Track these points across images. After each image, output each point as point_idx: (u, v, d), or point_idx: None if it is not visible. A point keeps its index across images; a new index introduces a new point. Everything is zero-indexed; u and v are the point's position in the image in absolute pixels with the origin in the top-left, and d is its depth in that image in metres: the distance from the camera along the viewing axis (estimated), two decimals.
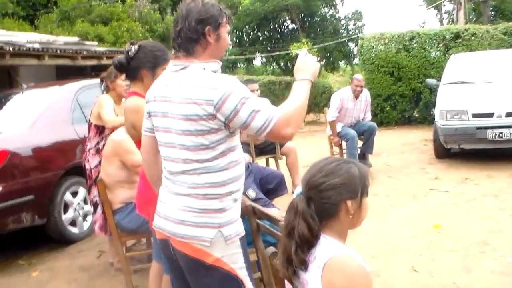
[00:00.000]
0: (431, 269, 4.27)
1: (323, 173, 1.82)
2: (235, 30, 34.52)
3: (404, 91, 14.51)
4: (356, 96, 7.92)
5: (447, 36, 14.51)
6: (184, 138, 2.10)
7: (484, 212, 5.74)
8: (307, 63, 2.30)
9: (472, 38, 14.15)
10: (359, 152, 7.97)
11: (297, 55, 2.36)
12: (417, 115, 15.07)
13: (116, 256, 4.64)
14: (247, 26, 34.48)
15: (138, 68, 3.13)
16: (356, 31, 35.37)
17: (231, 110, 2.01)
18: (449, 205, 6.16)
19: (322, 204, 1.81)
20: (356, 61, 32.61)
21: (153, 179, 2.49)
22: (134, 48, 3.09)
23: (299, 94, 2.21)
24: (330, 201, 1.80)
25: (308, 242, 1.78)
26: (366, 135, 7.96)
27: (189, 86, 2.07)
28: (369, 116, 8.33)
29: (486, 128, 7.77)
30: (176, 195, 2.20)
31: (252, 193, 4.15)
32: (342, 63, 38.70)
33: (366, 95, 8.20)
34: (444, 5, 35.67)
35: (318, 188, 1.81)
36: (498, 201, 6.14)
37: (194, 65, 2.13)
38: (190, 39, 2.13)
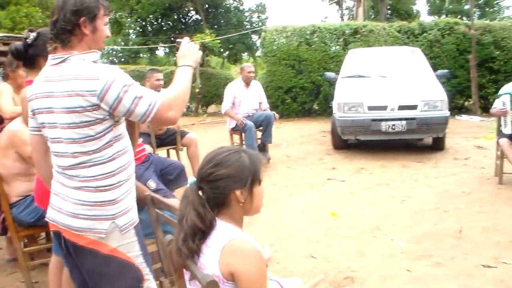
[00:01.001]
0: (328, 255, 4.42)
1: (211, 164, 1.86)
2: (138, 20, 33.86)
3: (304, 84, 14.87)
4: (248, 84, 8.09)
5: (347, 32, 15.02)
6: (70, 131, 2.08)
7: (377, 200, 6.03)
8: (190, 50, 2.36)
9: (370, 34, 14.75)
10: (259, 143, 8.10)
11: (179, 42, 2.39)
12: (316, 107, 15.51)
13: (13, 252, 4.44)
14: (151, 16, 33.86)
15: (36, 56, 3.03)
16: (260, 23, 35.74)
17: (114, 99, 2.01)
18: (345, 193, 6.38)
19: (212, 194, 1.86)
20: (258, 53, 32.94)
21: (45, 177, 2.44)
22: (32, 35, 2.97)
23: (182, 79, 2.26)
24: (219, 191, 1.85)
25: (200, 230, 1.82)
26: (264, 125, 8.08)
27: (71, 78, 2.04)
28: (265, 105, 8.47)
29: (381, 120, 8.11)
30: (68, 188, 2.17)
31: (152, 184, 4.14)
32: (245, 55, 38.94)
33: (257, 84, 8.41)
34: (345, 1, 36.83)
35: (207, 179, 1.85)
36: (390, 189, 6.47)
37: (74, 57, 2.09)
38: (65, 30, 2.09)
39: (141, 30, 35.46)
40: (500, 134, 6.39)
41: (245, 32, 32.81)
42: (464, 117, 13.98)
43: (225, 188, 1.84)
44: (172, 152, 7.11)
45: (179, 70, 2.30)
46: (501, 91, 6.40)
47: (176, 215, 2.59)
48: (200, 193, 1.88)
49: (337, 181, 7.04)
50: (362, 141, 8.86)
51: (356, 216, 5.43)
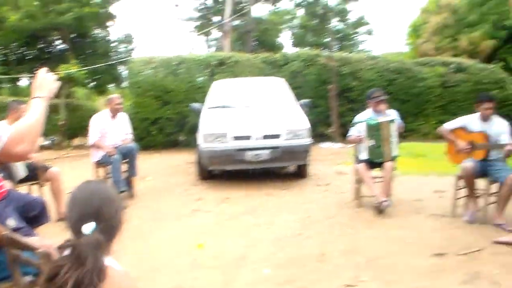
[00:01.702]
0: (194, 286, 4.36)
1: (108, 204, 1.85)
2: (0, 48, 32.18)
3: (171, 115, 14.80)
4: (114, 115, 7.89)
5: (213, 62, 15.22)
6: None
7: (242, 229, 6.05)
8: (45, 80, 2.29)
9: (236, 65, 15.07)
10: (124, 177, 7.89)
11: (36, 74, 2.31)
12: (182, 139, 15.42)
13: None
14: (14, 44, 32.27)
15: None
16: (127, 54, 35.27)
17: None
18: (211, 224, 6.35)
19: (115, 227, 1.87)
20: (125, 84, 32.42)
21: None
22: None
23: (35, 111, 2.17)
24: (119, 221, 1.89)
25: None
26: (129, 158, 7.91)
27: None
28: (130, 136, 8.29)
29: (245, 149, 8.22)
30: None
31: (12, 223, 3.88)
32: (111, 86, 38.16)
33: (124, 116, 8.23)
34: (211, 33, 37.46)
35: (113, 217, 1.85)
36: (255, 218, 6.53)
37: None
38: None
39: (4, 58, 33.64)
40: (357, 159, 6.72)
41: (112, 62, 32.16)
42: (326, 144, 14.60)
43: (121, 215, 1.88)
44: (35, 187, 6.74)
45: (33, 102, 2.22)
46: (355, 120, 6.75)
47: (37, 255, 2.43)
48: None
49: (203, 211, 7.00)
50: (228, 171, 8.92)
51: (222, 246, 5.41)
